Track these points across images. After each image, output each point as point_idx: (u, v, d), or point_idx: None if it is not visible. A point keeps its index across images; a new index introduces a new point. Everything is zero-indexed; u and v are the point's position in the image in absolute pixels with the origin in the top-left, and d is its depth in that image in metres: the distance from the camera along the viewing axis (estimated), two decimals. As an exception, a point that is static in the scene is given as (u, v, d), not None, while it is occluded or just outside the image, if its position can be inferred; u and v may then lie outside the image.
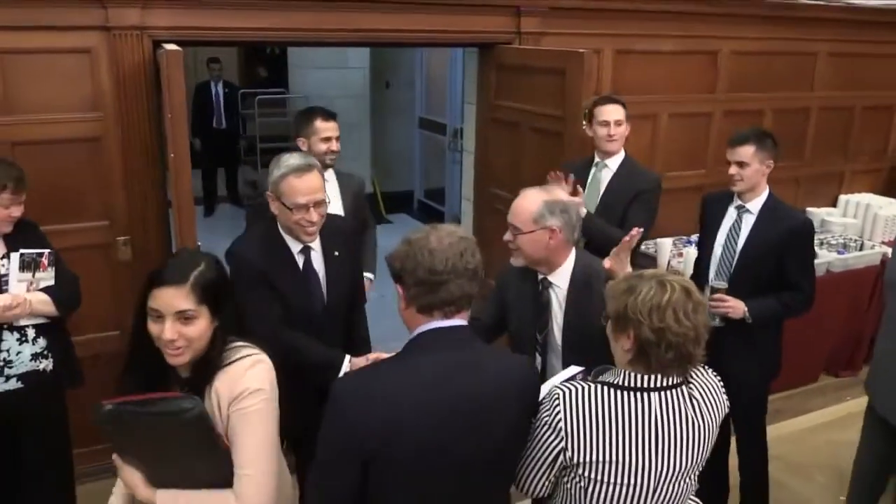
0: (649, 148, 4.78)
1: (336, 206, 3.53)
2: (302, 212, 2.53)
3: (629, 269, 2.47)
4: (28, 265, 2.74)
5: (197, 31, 3.53)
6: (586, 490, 1.89)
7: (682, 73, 4.81)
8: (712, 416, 1.95)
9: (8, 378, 2.73)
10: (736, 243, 3.31)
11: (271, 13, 3.65)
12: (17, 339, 2.74)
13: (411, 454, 1.68)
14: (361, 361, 2.59)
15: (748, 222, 3.30)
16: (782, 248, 3.17)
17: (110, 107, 3.45)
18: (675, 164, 4.89)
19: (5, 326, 2.70)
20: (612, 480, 1.86)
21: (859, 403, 3.78)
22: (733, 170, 3.27)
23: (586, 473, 1.87)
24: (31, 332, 2.77)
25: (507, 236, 2.54)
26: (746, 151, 3.23)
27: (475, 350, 1.84)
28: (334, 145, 3.53)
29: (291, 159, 2.57)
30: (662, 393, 1.88)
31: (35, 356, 2.78)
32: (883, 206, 5.44)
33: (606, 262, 2.52)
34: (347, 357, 2.64)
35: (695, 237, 4.25)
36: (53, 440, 2.93)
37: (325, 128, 3.50)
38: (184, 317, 1.78)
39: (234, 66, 11.01)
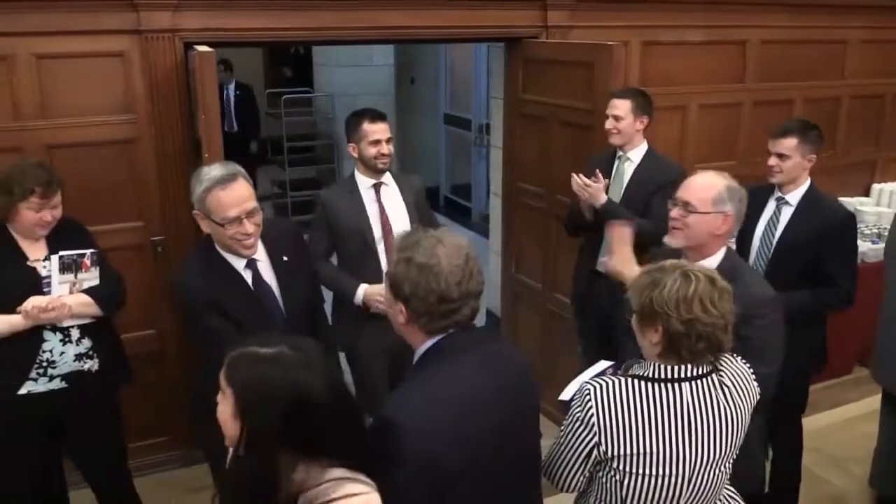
0: (679, 139, 4.75)
1: (401, 211, 3.38)
2: (235, 225, 2.32)
3: (634, 266, 2.43)
4: (69, 267, 2.76)
5: (227, 33, 3.56)
6: (621, 483, 1.89)
7: (710, 63, 4.77)
8: (744, 402, 1.95)
9: (52, 378, 2.76)
10: (773, 235, 3.27)
11: (297, 13, 3.67)
12: (60, 340, 2.77)
13: (474, 460, 1.64)
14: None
15: (786, 214, 3.28)
16: (820, 240, 3.10)
17: (143, 109, 3.49)
18: (705, 156, 4.84)
19: (48, 327, 2.73)
20: (647, 472, 1.87)
21: None
22: (773, 161, 3.23)
23: (621, 467, 1.88)
24: (74, 333, 2.80)
25: (675, 213, 2.43)
26: (789, 143, 3.19)
27: (492, 343, 1.88)
28: (384, 148, 3.28)
29: (213, 171, 2.35)
30: (693, 382, 1.89)
31: (79, 356, 2.80)
32: (916, 196, 5.36)
33: (606, 261, 2.48)
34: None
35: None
36: (103, 438, 2.97)
37: (372, 130, 3.26)
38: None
39: (259, 66, 11.08)
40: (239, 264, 2.44)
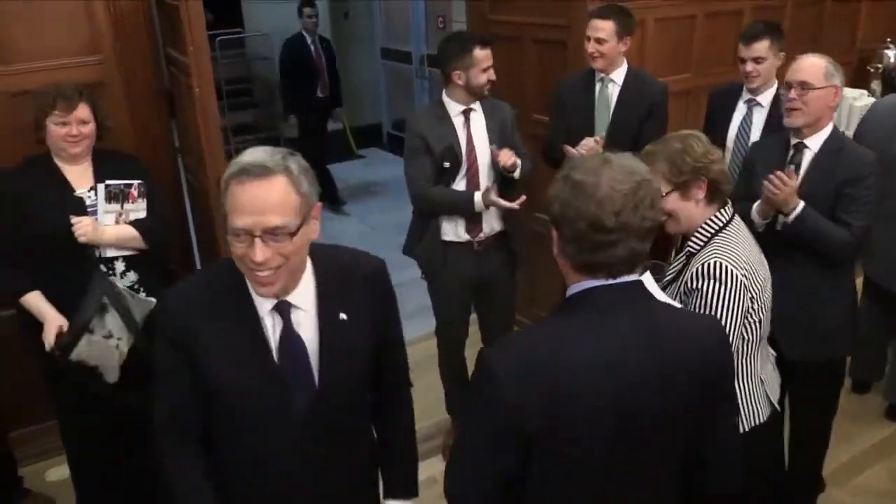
0: (639, 54, 4.79)
1: (483, 139, 3.25)
2: None
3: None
4: (115, 196, 2.70)
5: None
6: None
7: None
8: None
9: None
10: (748, 137, 3.34)
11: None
12: (104, 273, 2.71)
13: (577, 432, 1.42)
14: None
15: (759, 116, 3.35)
16: None
17: (110, 49, 3.31)
18: (663, 70, 4.89)
19: (93, 258, 2.70)
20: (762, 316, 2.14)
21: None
22: (749, 66, 3.27)
23: (756, 307, 2.08)
24: (119, 266, 2.75)
25: (793, 94, 2.65)
26: (762, 46, 3.25)
27: (651, 311, 1.51)
28: (493, 74, 3.15)
29: None
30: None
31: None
32: (857, 98, 5.57)
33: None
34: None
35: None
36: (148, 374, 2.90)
37: (485, 56, 3.10)
38: None
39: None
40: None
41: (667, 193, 2.08)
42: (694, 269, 2.03)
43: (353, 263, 1.76)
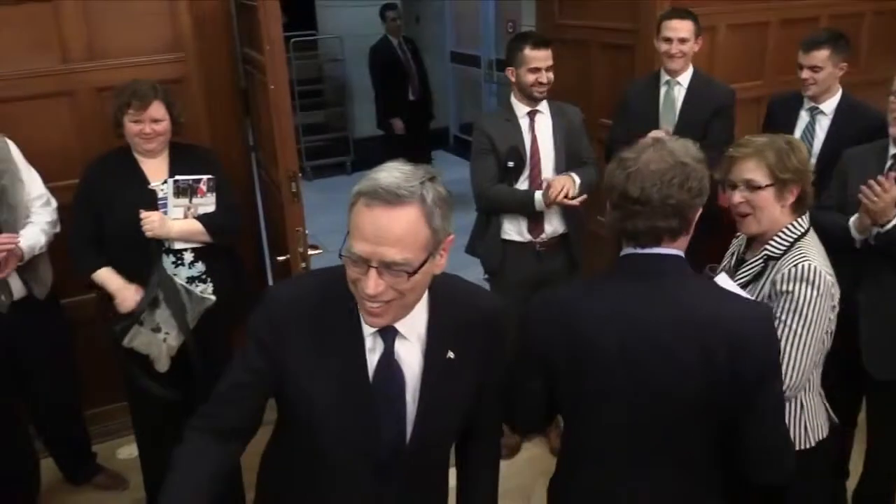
0: (709, 61, 4.73)
1: (549, 141, 3.28)
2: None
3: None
4: (184, 191, 2.81)
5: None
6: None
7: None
8: None
9: None
10: (811, 145, 3.29)
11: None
12: (173, 263, 2.84)
13: (596, 376, 1.61)
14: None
15: (823, 124, 3.30)
16: None
17: (191, 47, 3.45)
18: (734, 77, 4.81)
19: (163, 249, 2.81)
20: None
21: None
22: (806, 74, 3.25)
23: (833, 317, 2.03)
24: (188, 256, 2.86)
25: None
26: (821, 55, 3.21)
27: (683, 285, 1.60)
28: (543, 77, 3.15)
29: None
30: None
31: (191, 280, 2.86)
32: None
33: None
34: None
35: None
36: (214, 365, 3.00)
37: (534, 56, 3.14)
38: None
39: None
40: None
41: (765, 186, 2.04)
42: (786, 271, 1.99)
43: (471, 300, 1.62)
